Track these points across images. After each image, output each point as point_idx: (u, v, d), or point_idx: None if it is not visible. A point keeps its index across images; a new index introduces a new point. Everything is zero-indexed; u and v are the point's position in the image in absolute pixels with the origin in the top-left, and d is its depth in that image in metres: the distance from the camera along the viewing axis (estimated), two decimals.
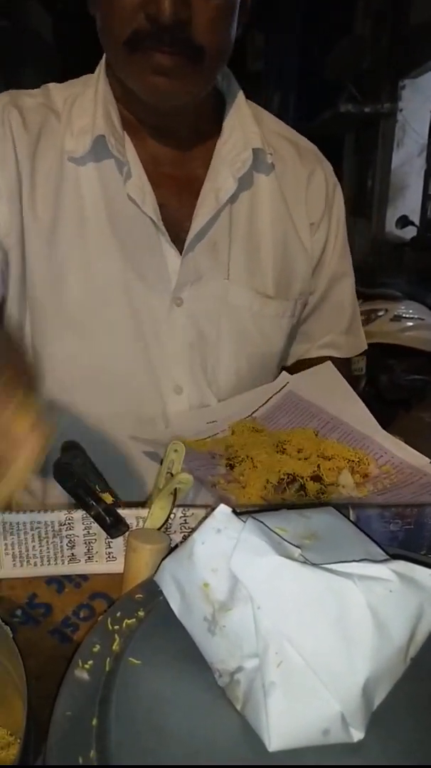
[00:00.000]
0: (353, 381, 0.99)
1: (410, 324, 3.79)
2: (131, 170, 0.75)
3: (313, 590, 0.38)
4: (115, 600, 0.56)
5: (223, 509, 0.42)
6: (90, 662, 0.42)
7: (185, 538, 0.60)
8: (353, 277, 0.96)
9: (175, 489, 0.56)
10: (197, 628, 0.42)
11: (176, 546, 0.48)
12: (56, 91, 0.80)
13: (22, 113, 0.76)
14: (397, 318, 3.76)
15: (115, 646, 0.43)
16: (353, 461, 0.70)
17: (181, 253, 0.78)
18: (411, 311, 3.82)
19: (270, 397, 0.83)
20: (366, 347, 1.02)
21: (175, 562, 0.43)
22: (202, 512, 0.60)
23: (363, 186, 7.26)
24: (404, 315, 3.78)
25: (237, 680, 0.39)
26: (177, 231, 0.78)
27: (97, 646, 0.43)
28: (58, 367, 0.78)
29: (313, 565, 0.40)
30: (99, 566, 0.60)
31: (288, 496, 0.66)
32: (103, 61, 0.80)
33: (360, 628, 0.37)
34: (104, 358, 0.79)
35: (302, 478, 0.67)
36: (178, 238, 0.78)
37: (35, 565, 0.58)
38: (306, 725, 0.36)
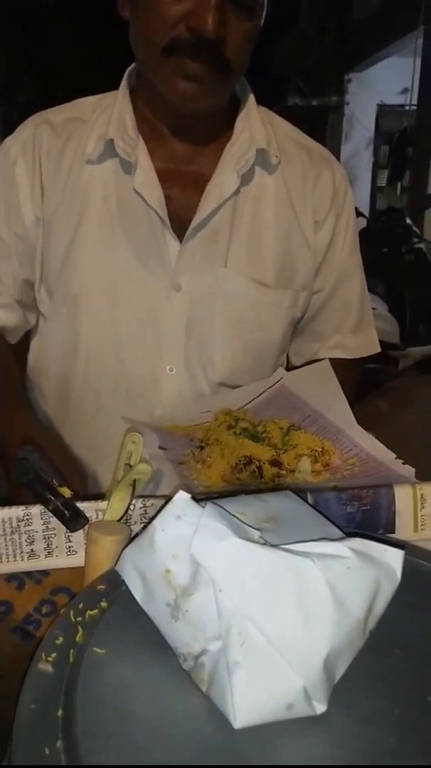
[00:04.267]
0: (354, 384, 1.01)
1: None
2: (138, 168, 0.83)
3: (273, 570, 0.39)
4: (77, 594, 0.56)
5: (182, 496, 0.43)
6: (53, 655, 0.42)
7: (146, 525, 0.61)
8: (362, 278, 1.00)
9: (134, 480, 0.56)
10: (160, 614, 0.42)
11: (137, 535, 0.48)
12: (89, 102, 0.90)
13: (53, 128, 0.88)
14: None
15: (78, 638, 0.43)
16: (316, 451, 0.72)
17: (181, 242, 0.84)
18: None
19: (264, 391, 0.87)
20: (378, 349, 1.03)
21: (136, 551, 0.44)
22: (161, 502, 0.60)
23: None
24: None
25: (202, 663, 0.40)
26: (181, 222, 0.84)
27: (60, 639, 0.43)
28: (62, 344, 0.87)
29: (273, 546, 0.41)
30: (60, 561, 0.59)
31: (244, 478, 0.69)
32: (126, 73, 0.89)
33: (320, 604, 0.38)
34: (104, 338, 0.86)
35: (259, 461, 0.70)
36: (181, 228, 0.84)
37: None
38: (270, 701, 0.37)
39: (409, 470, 0.70)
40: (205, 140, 0.87)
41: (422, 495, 0.63)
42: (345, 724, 0.38)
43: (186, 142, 0.87)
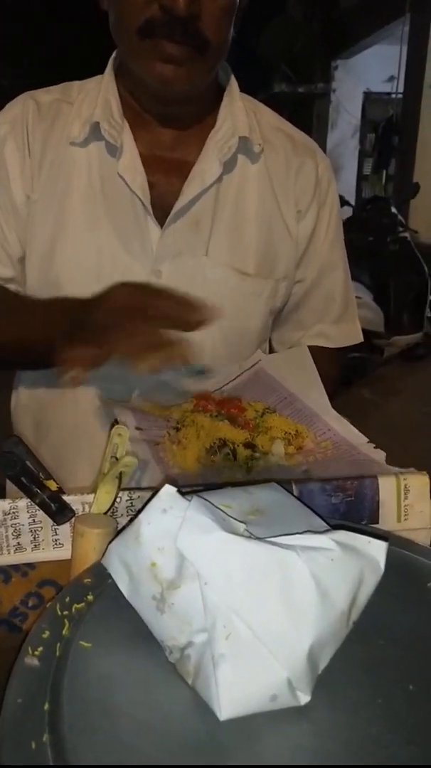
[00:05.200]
0: (336, 373, 1.02)
1: None
2: (123, 152, 0.83)
3: (258, 563, 0.39)
4: (64, 587, 0.56)
5: (168, 490, 0.43)
6: (40, 649, 0.42)
7: (131, 519, 0.61)
8: (346, 270, 1.00)
9: (120, 473, 0.56)
10: (146, 607, 0.42)
11: (123, 528, 0.48)
12: (75, 86, 0.90)
13: (39, 107, 0.87)
14: None
15: (65, 632, 0.43)
16: (289, 434, 0.73)
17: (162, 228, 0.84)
18: None
19: (242, 373, 0.87)
20: (361, 339, 1.04)
21: (122, 544, 0.44)
22: (147, 494, 0.60)
23: None
24: None
25: (188, 655, 0.40)
26: (163, 208, 0.84)
27: (47, 632, 0.43)
28: None
29: (258, 539, 0.41)
30: (46, 554, 0.59)
31: (218, 460, 0.69)
32: (111, 59, 0.88)
33: (305, 596, 0.39)
34: None
35: (233, 444, 0.71)
36: (164, 214, 0.84)
37: None
38: (255, 693, 0.37)
39: (380, 454, 0.71)
40: (189, 127, 0.87)
41: (406, 485, 0.64)
42: (329, 714, 0.39)
43: (170, 128, 0.87)
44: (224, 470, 0.68)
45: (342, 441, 0.73)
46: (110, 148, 0.84)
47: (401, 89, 6.33)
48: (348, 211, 4.88)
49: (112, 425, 0.60)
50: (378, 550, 0.42)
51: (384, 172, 6.60)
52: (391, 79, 6.94)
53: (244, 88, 0.92)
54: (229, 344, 0.90)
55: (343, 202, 4.91)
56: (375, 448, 0.72)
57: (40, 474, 0.57)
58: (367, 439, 0.73)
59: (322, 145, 6.52)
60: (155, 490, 0.43)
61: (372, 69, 7.27)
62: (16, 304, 0.86)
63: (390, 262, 4.25)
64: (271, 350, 1.02)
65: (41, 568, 0.60)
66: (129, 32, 0.76)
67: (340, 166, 6.55)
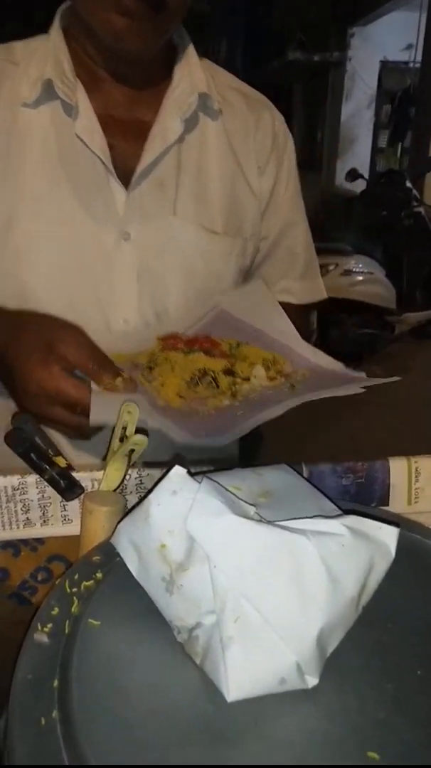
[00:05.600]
0: (309, 329, 1.02)
1: (360, 278, 3.83)
2: (79, 112, 0.80)
3: (268, 547, 0.39)
4: (73, 562, 0.56)
5: (178, 471, 0.42)
6: (49, 625, 0.42)
7: (141, 499, 0.61)
8: (306, 226, 0.99)
9: (131, 450, 0.56)
10: (155, 588, 0.42)
11: (132, 507, 0.48)
12: (18, 46, 0.85)
13: None
14: (347, 272, 3.79)
15: (74, 609, 0.44)
16: (268, 360, 0.73)
17: (127, 190, 0.82)
18: (361, 266, 3.86)
19: (203, 316, 0.85)
20: (325, 295, 1.04)
21: (132, 525, 0.44)
22: (157, 472, 0.60)
23: (313, 138, 7.19)
24: (354, 269, 3.82)
25: (196, 636, 0.40)
26: (125, 170, 0.82)
27: (56, 609, 0.43)
28: (11, 299, 0.82)
29: (268, 522, 0.41)
30: (55, 529, 0.60)
31: (201, 391, 0.68)
32: (58, 16, 0.84)
33: (314, 581, 0.38)
34: (55, 290, 0.82)
35: (213, 372, 0.70)
36: (127, 176, 0.82)
37: None
38: (263, 676, 0.37)
39: (360, 374, 0.70)
40: (144, 86, 0.85)
41: (417, 468, 0.63)
42: (337, 697, 0.39)
43: (125, 87, 0.84)
44: (209, 399, 0.67)
45: (318, 367, 0.73)
46: (66, 107, 0.81)
47: (419, 58, 6.16)
48: (361, 184, 4.80)
49: (122, 403, 0.59)
50: (389, 535, 0.42)
51: (400, 144, 6.47)
52: (409, 47, 6.75)
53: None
54: (202, 306, 0.88)
55: (357, 175, 4.83)
56: (355, 370, 0.72)
57: (50, 450, 0.57)
58: (343, 365, 0.73)
59: (336, 116, 6.39)
60: (166, 470, 0.43)
61: (390, 37, 7.07)
62: None
63: (404, 238, 4.19)
64: None
65: (50, 544, 0.60)
66: None
67: (354, 137, 6.41)
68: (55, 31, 0.83)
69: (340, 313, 3.80)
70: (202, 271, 0.87)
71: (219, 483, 0.44)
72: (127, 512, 0.47)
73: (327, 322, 3.74)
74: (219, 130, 0.88)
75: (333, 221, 4.77)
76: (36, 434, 0.57)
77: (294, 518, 0.42)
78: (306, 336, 0.89)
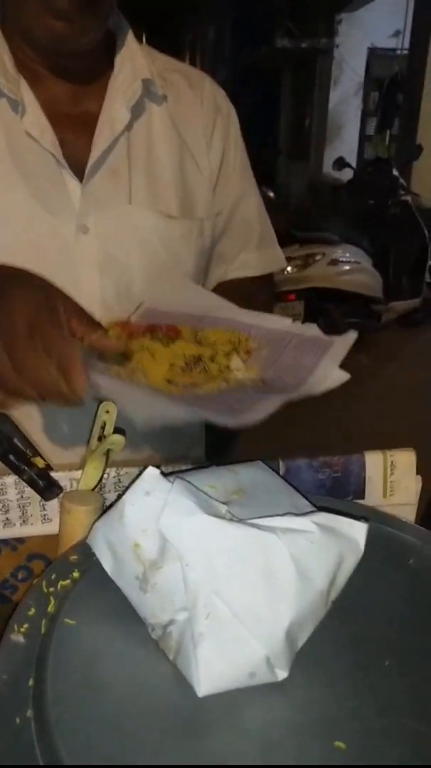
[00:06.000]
0: (271, 301, 1.03)
1: (347, 268, 3.84)
2: (26, 108, 0.79)
3: (239, 545, 0.40)
4: (53, 560, 0.57)
5: (151, 472, 0.43)
6: (25, 626, 0.43)
7: (119, 497, 0.61)
8: (258, 197, 1.01)
9: (108, 450, 0.57)
10: (130, 586, 0.43)
11: (109, 507, 0.48)
12: None
13: None
14: (334, 262, 3.79)
15: (50, 608, 0.44)
16: (233, 342, 0.71)
17: (81, 183, 0.82)
18: (348, 255, 3.86)
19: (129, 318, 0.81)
20: (284, 264, 1.06)
21: (107, 525, 0.44)
22: (135, 470, 0.61)
23: (301, 126, 7.16)
24: (341, 259, 3.82)
25: (170, 632, 0.41)
26: (77, 164, 0.82)
27: (32, 609, 0.44)
28: None
29: (239, 521, 0.41)
30: (35, 528, 0.60)
31: (195, 376, 0.67)
32: None
33: (284, 578, 0.39)
34: None
35: (203, 357, 0.69)
36: (79, 169, 0.82)
37: None
38: (234, 670, 0.38)
39: (313, 329, 0.69)
40: (86, 79, 0.85)
41: (392, 462, 0.64)
42: (306, 688, 0.40)
43: (68, 81, 0.84)
44: (204, 385, 0.65)
45: (270, 332, 0.72)
46: (12, 104, 0.80)
47: (407, 45, 6.14)
48: (349, 173, 4.79)
49: (99, 402, 0.59)
50: (358, 531, 0.43)
51: (388, 132, 6.45)
52: (397, 33, 6.72)
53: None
54: None
55: (344, 163, 4.82)
56: (302, 324, 0.71)
57: (28, 451, 0.58)
58: (290, 319, 0.72)
59: (324, 103, 6.36)
60: (140, 470, 0.44)
61: (378, 23, 7.03)
62: None
63: (391, 226, 4.19)
64: None
65: (30, 543, 0.61)
66: None
67: (342, 125, 6.38)
68: None
69: (327, 302, 3.81)
70: (163, 256, 0.87)
71: (193, 482, 0.45)
72: (103, 512, 0.48)
73: (314, 312, 3.74)
74: (164, 116, 0.88)
75: (320, 210, 4.77)
76: (14, 435, 0.58)
77: (267, 516, 0.43)
78: (269, 308, 0.88)
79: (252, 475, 0.51)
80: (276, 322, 0.72)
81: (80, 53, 0.79)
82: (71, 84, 0.84)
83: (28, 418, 0.85)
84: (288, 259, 3.59)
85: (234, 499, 0.46)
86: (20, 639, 0.42)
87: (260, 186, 1.03)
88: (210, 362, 0.67)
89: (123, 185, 0.85)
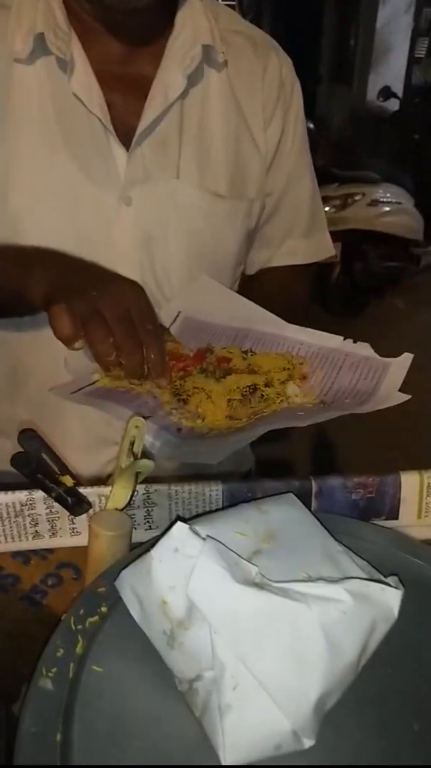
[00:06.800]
0: (307, 290, 1.00)
1: (387, 209, 3.68)
2: (75, 67, 0.75)
3: (269, 614, 0.39)
4: (82, 569, 0.57)
5: (180, 527, 0.42)
6: (54, 669, 0.43)
7: (149, 513, 0.61)
8: (313, 179, 0.95)
9: (137, 472, 0.56)
10: (157, 639, 0.43)
11: (135, 550, 0.48)
12: None
13: None
14: (374, 203, 3.64)
15: (78, 649, 0.45)
16: (288, 368, 0.69)
17: (128, 151, 0.78)
18: (388, 195, 3.69)
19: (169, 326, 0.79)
20: (332, 252, 1.00)
21: (134, 576, 0.44)
22: (165, 488, 0.60)
23: (345, 47, 6.70)
24: (381, 199, 3.66)
25: (196, 689, 0.41)
26: (125, 130, 0.77)
27: (60, 651, 0.44)
28: None
29: (270, 584, 0.40)
30: (63, 540, 0.61)
31: (255, 404, 0.66)
32: None
33: (314, 649, 0.39)
34: None
35: (259, 386, 0.68)
36: (127, 137, 0.77)
37: None
38: (260, 741, 0.38)
39: (367, 349, 0.69)
40: (143, 39, 0.78)
41: (429, 483, 0.62)
42: (330, 753, 0.40)
43: (122, 40, 0.78)
44: (264, 410, 0.65)
45: (321, 349, 0.70)
46: (60, 63, 0.75)
47: None
48: (394, 104, 4.51)
49: (130, 418, 0.58)
50: (392, 598, 0.42)
51: None
52: None
53: None
54: (207, 271, 0.85)
55: (389, 93, 4.54)
56: (354, 343, 0.70)
57: (56, 468, 0.57)
58: (341, 337, 0.71)
59: (371, 22, 5.91)
60: (169, 525, 0.43)
61: None
62: None
63: None
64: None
65: (59, 552, 0.62)
66: None
67: (389, 47, 5.93)
68: None
69: (364, 245, 3.68)
70: (206, 235, 0.83)
71: (222, 528, 0.44)
72: (130, 558, 0.47)
73: (351, 255, 3.62)
74: (223, 83, 0.82)
75: (362, 145, 4.53)
76: (42, 450, 0.57)
77: (298, 567, 0.42)
78: (306, 300, 0.83)
79: (282, 514, 0.49)
80: (326, 340, 0.70)
81: (141, 9, 0.73)
82: (126, 44, 0.78)
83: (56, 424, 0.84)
84: (326, 199, 3.44)
85: (265, 548, 0.45)
86: (48, 685, 0.42)
87: None
88: (266, 389, 0.66)
89: (171, 158, 0.80)
